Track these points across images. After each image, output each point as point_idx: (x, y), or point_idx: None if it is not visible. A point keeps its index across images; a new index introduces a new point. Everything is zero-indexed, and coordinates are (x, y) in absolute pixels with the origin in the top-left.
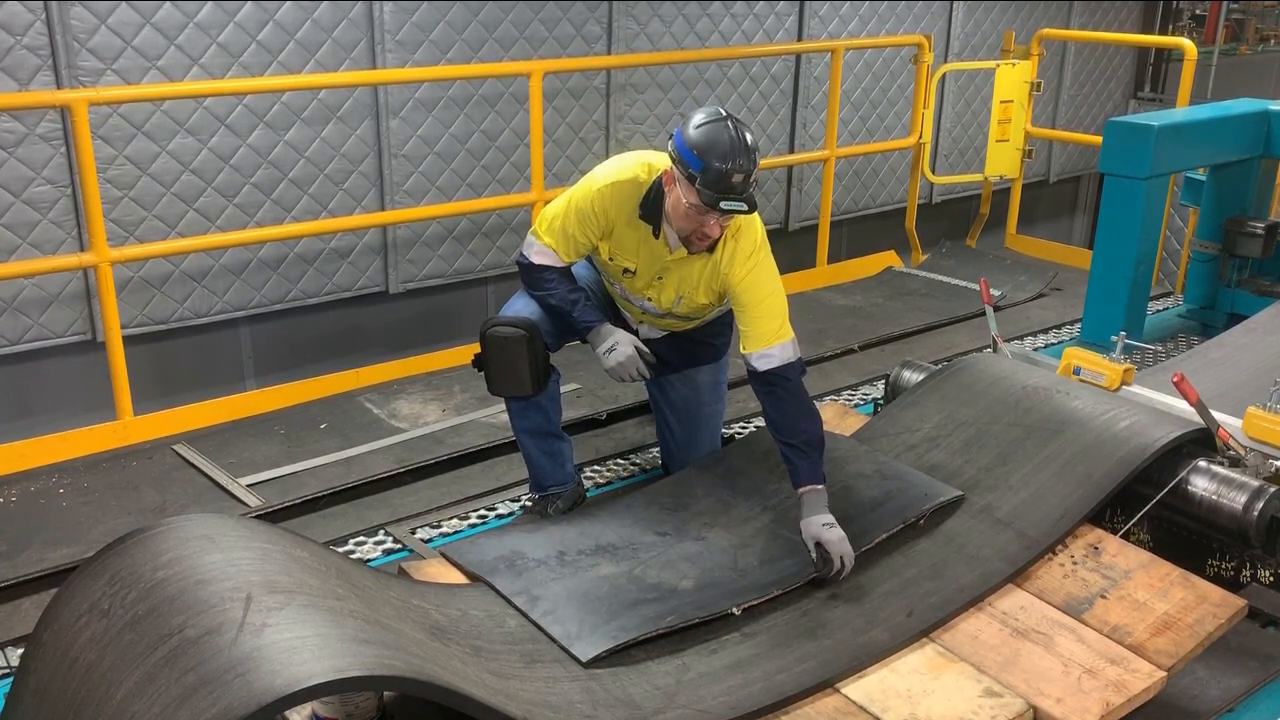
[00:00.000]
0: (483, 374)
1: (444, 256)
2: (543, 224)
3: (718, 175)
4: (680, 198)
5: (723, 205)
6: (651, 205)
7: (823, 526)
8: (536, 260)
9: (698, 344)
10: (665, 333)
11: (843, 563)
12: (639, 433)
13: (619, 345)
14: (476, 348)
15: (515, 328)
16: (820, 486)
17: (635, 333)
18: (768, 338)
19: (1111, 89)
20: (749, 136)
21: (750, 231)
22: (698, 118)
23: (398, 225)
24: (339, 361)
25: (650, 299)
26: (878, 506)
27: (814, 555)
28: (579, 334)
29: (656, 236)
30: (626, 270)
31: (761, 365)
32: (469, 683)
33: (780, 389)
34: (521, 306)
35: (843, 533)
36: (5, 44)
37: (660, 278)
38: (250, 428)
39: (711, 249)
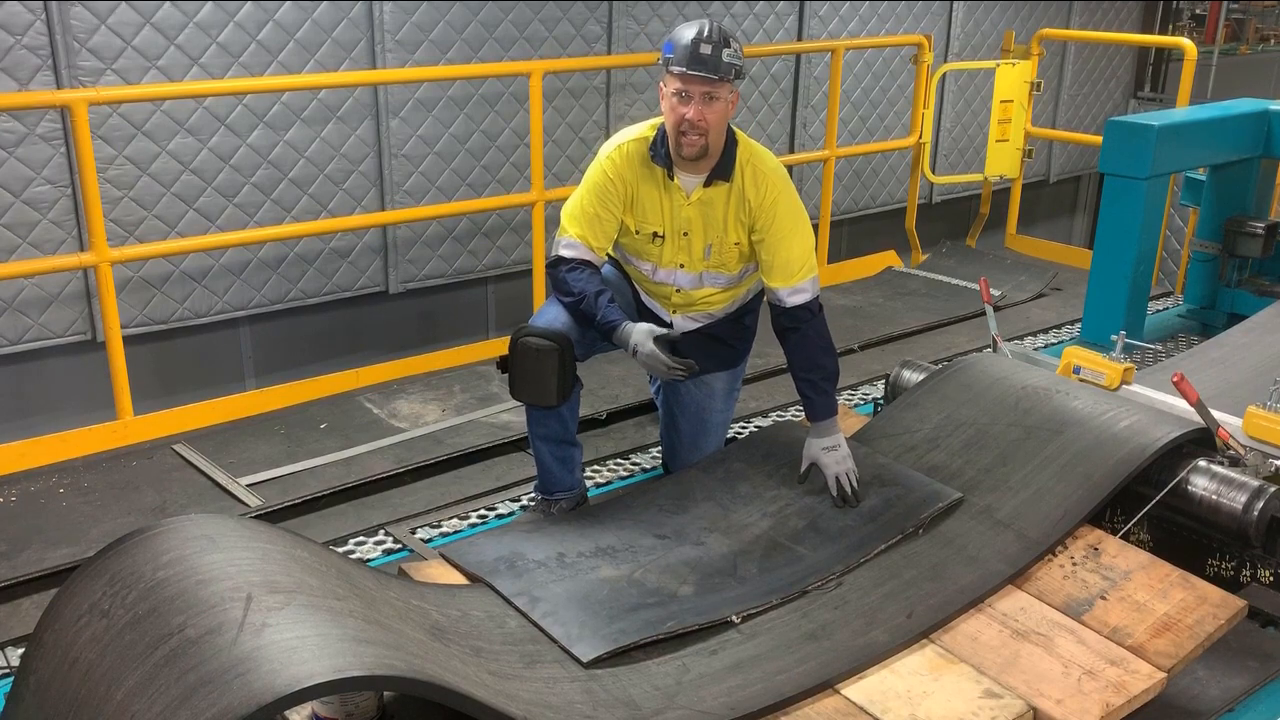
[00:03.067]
0: (506, 376)
1: (444, 256)
2: (566, 217)
3: (684, 49)
4: (666, 97)
5: (689, 70)
6: (660, 146)
7: (823, 449)
8: (566, 254)
9: (722, 345)
10: (700, 324)
11: (842, 481)
12: (639, 433)
13: (640, 345)
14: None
15: (548, 339)
16: (834, 417)
17: (670, 326)
18: (799, 267)
19: (1111, 89)
20: (725, 32)
21: (764, 155)
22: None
23: (398, 225)
24: (339, 361)
25: (683, 264)
26: (877, 516)
27: (801, 471)
28: (606, 337)
29: (672, 179)
30: (656, 235)
31: (794, 300)
32: (469, 683)
33: (807, 325)
34: (554, 316)
35: (847, 451)
36: (5, 44)
37: (686, 234)
38: (250, 428)
39: (727, 176)
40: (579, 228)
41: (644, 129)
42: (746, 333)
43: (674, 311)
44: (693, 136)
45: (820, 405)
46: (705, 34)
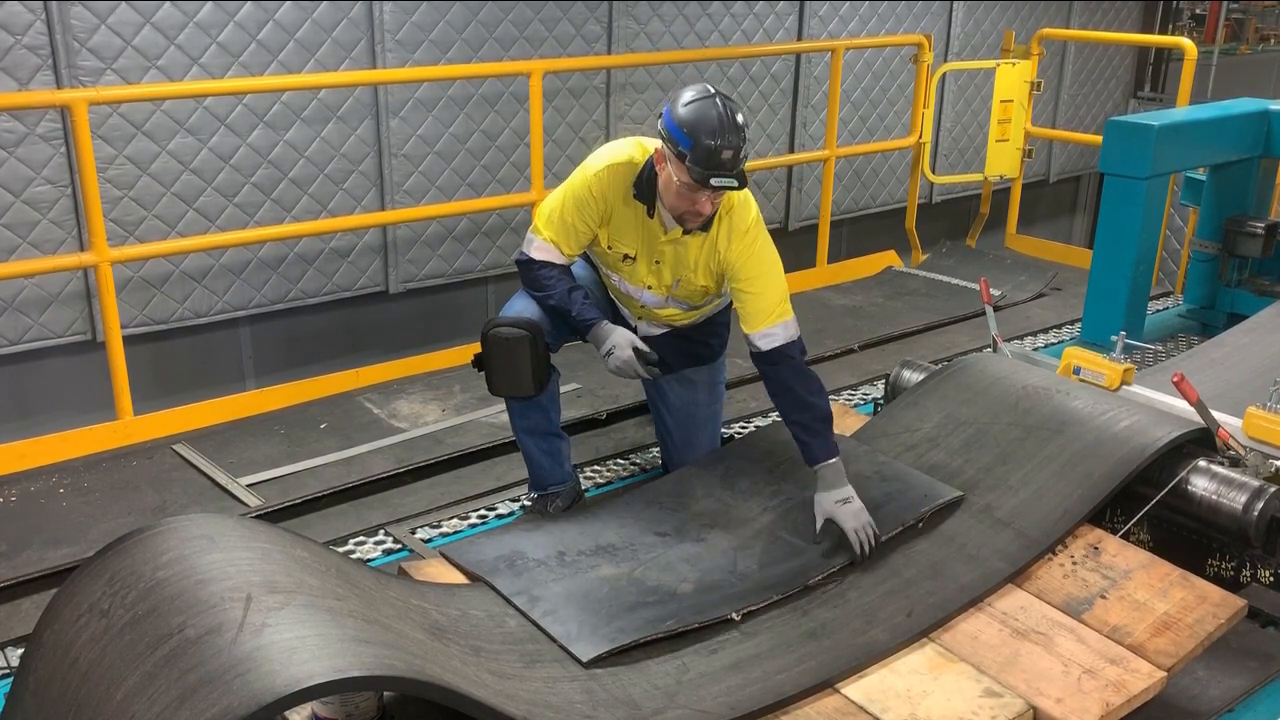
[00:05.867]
0: (483, 374)
1: (444, 256)
2: (541, 219)
3: (707, 152)
4: (672, 176)
5: (713, 182)
6: (645, 185)
7: (836, 503)
8: (537, 256)
9: (695, 344)
10: (665, 329)
11: (861, 537)
12: (639, 433)
13: (617, 348)
14: (477, 347)
15: (517, 328)
16: (835, 460)
17: (634, 330)
18: (768, 315)
19: (1111, 89)
20: (738, 114)
21: (744, 209)
22: (686, 95)
23: (398, 225)
24: (339, 361)
25: (650, 286)
26: (877, 509)
27: (817, 529)
28: (579, 333)
29: (651, 216)
30: (627, 256)
31: (765, 345)
32: (469, 683)
33: (784, 368)
34: (523, 307)
35: (861, 505)
36: (5, 44)
37: (658, 262)
38: (250, 428)
39: (706, 228)
40: (552, 232)
41: (634, 151)
42: (721, 329)
43: (638, 319)
44: (696, 219)
45: (815, 448)
46: (726, 138)
